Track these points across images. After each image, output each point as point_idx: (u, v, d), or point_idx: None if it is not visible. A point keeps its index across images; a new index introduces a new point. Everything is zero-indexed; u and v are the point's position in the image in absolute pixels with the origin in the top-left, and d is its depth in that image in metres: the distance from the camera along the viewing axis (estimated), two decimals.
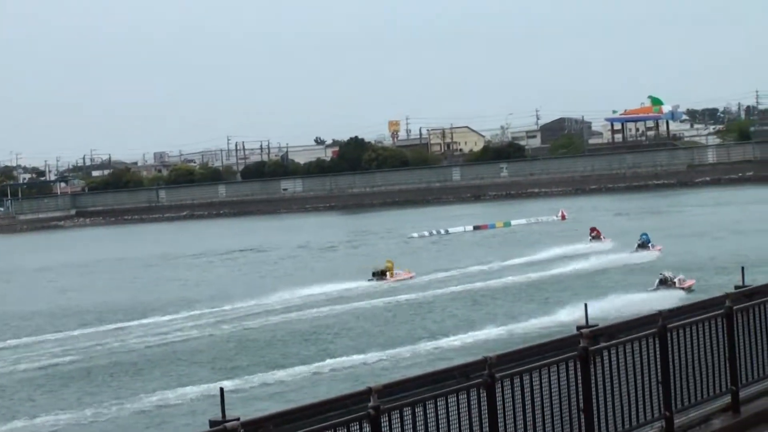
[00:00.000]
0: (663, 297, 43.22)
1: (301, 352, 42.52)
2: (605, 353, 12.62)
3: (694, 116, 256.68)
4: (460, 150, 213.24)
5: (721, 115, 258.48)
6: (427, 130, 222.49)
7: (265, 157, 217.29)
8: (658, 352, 13.40)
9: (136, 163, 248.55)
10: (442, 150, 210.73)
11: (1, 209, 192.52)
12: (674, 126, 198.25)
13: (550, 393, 11.72)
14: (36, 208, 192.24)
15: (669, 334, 13.59)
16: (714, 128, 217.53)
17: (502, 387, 11.13)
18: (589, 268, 62.27)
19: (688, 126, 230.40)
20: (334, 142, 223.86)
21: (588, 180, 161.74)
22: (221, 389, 12.20)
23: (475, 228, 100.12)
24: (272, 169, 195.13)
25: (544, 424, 11.64)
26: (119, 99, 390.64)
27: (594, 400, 12.30)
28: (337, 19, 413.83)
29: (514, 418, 11.28)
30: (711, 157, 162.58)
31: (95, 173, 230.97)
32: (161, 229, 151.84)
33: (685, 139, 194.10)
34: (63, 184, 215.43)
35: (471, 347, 39.51)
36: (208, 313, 54.57)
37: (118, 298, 65.80)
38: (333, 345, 43.71)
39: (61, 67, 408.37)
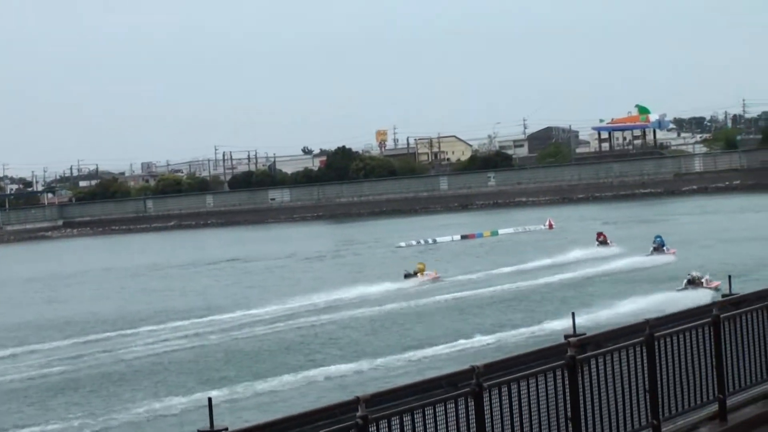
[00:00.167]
0: (692, 297, 43.43)
1: (289, 362, 42.45)
2: (593, 362, 12.64)
3: (681, 125, 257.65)
4: (448, 159, 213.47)
5: (708, 124, 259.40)
6: (415, 139, 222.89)
7: (252, 167, 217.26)
8: (645, 361, 13.43)
9: (123, 174, 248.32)
10: (430, 159, 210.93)
11: None
12: (661, 135, 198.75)
13: (538, 402, 11.74)
14: (23, 218, 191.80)
15: (656, 343, 13.63)
16: (701, 137, 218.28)
17: (490, 396, 11.14)
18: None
19: (675, 135, 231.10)
20: (322, 152, 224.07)
21: (575, 189, 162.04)
22: (209, 399, 12.19)
23: (463, 237, 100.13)
24: (260, 178, 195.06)
25: None
26: (106, 109, 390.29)
27: (581, 409, 12.33)
28: (326, 31, 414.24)
29: (502, 427, 11.29)
30: (698, 165, 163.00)
31: (82, 183, 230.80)
32: (149, 239, 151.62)
33: (672, 147, 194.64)
34: (50, 195, 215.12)
35: (470, 355, 39.49)
36: (195, 323, 54.45)
37: (105, 308, 65.64)
38: (320, 354, 43.65)
39: (47, 77, 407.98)
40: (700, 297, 41.77)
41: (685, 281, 50.82)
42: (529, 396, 11.62)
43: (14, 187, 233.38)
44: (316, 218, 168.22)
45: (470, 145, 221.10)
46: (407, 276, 66.35)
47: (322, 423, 10.00)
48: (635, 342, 13.38)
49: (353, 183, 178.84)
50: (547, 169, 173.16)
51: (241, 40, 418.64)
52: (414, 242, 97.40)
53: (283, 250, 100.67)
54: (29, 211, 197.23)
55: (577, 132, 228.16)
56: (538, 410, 11.74)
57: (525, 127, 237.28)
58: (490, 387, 11.15)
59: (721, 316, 14.86)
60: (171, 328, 53.72)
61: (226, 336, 50.26)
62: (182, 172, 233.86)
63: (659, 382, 13.59)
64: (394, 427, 10.24)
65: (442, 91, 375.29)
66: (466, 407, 10.91)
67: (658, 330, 13.80)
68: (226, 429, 9.44)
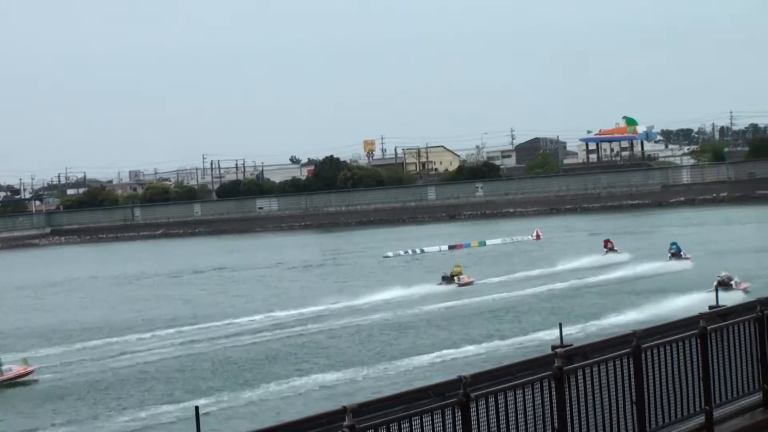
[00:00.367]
0: (723, 298, 43.70)
1: (276, 371, 42.39)
2: (579, 373, 12.66)
3: (669, 137, 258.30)
4: (436, 169, 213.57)
5: (696, 136, 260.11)
6: (403, 149, 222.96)
7: (240, 176, 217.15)
8: (632, 372, 13.45)
9: (111, 182, 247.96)
10: (418, 169, 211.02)
11: None
12: (649, 146, 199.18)
13: (525, 412, 11.75)
14: (11, 226, 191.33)
15: (643, 354, 13.65)
16: (688, 149, 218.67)
17: (477, 406, 11.15)
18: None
19: (662, 146, 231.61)
20: (310, 161, 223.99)
21: (563, 200, 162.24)
22: (196, 408, 12.19)
23: (451, 247, 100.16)
24: (248, 187, 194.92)
25: None
26: (94, 117, 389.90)
27: (568, 420, 12.34)
28: (312, 39, 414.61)
29: None
30: (685, 177, 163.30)
31: (70, 191, 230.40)
32: (136, 247, 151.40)
33: (660, 159, 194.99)
34: (38, 203, 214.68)
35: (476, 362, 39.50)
36: (183, 332, 54.36)
37: (92, 316, 65.50)
38: (307, 364, 43.61)
39: (35, 85, 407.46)
40: (731, 299, 41.90)
41: (715, 283, 51.18)
42: (516, 406, 11.63)
43: (1, 194, 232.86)
44: (304, 227, 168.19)
45: (458, 156, 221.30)
46: (444, 279, 67.41)
47: None
48: (622, 353, 13.40)
49: (341, 192, 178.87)
50: (534, 180, 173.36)
51: (230, 48, 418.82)
52: (402, 252, 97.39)
53: (270, 259, 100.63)
54: (17, 218, 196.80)
55: (565, 143, 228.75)
56: (525, 421, 11.75)
57: (513, 138, 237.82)
58: (477, 397, 11.16)
59: (708, 327, 14.89)
60: (158, 336, 53.66)
61: (214, 345, 50.19)
62: (170, 181, 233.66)
63: (646, 394, 13.61)
64: None
65: (430, 102, 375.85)
66: (453, 417, 10.91)
67: (645, 341, 13.82)
68: None
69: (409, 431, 10.47)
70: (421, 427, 10.57)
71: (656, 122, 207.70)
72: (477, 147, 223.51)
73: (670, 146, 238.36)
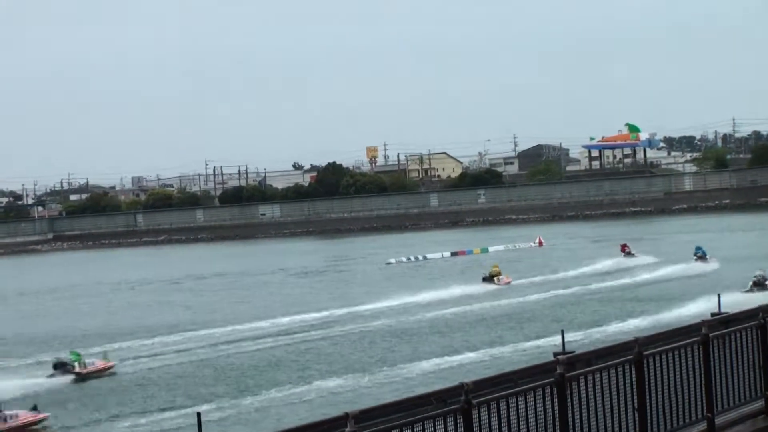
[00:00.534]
0: (758, 299, 43.81)
1: (278, 377, 42.39)
2: (582, 380, 12.65)
3: (672, 144, 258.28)
4: (438, 176, 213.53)
5: (698, 143, 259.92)
6: (405, 156, 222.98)
7: (243, 182, 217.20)
8: (634, 379, 13.44)
9: (113, 188, 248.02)
10: (420, 176, 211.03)
11: None
12: (651, 153, 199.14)
13: (527, 419, 11.74)
14: (13, 232, 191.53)
15: (645, 361, 13.63)
16: (691, 156, 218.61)
17: (479, 413, 11.14)
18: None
19: (665, 153, 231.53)
20: (312, 168, 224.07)
21: (565, 207, 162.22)
22: (198, 414, 12.20)
23: (453, 254, 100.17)
24: (250, 194, 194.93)
25: None
26: (97, 123, 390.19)
27: (570, 427, 12.33)
28: (315, 45, 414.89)
29: None
30: (688, 184, 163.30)
31: (73, 197, 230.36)
32: (139, 253, 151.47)
33: (663, 166, 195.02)
34: (40, 208, 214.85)
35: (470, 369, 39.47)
36: (185, 338, 54.37)
37: (94, 322, 65.53)
38: (309, 371, 43.59)
39: (37, 90, 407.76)
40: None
41: (751, 282, 51.21)
42: (518, 413, 11.62)
43: (4, 200, 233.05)
44: (306, 234, 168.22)
45: (461, 162, 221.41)
46: (485, 279, 69.38)
47: None
48: (624, 360, 13.39)
49: (343, 199, 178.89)
50: (537, 187, 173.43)
51: (232, 55, 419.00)
52: (404, 259, 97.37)
53: (273, 266, 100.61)
54: (19, 224, 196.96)
55: (568, 150, 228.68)
56: (527, 428, 11.74)
57: (515, 145, 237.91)
58: (479, 404, 11.16)
59: (710, 335, 14.88)
60: (160, 342, 53.64)
61: (216, 351, 50.18)
62: (173, 187, 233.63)
63: (648, 401, 13.60)
64: None
65: (433, 108, 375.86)
66: (455, 424, 10.91)
67: (647, 348, 13.82)
68: None
69: None
70: None
71: (659, 129, 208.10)
72: (479, 154, 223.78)
73: (673, 153, 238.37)
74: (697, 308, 47.28)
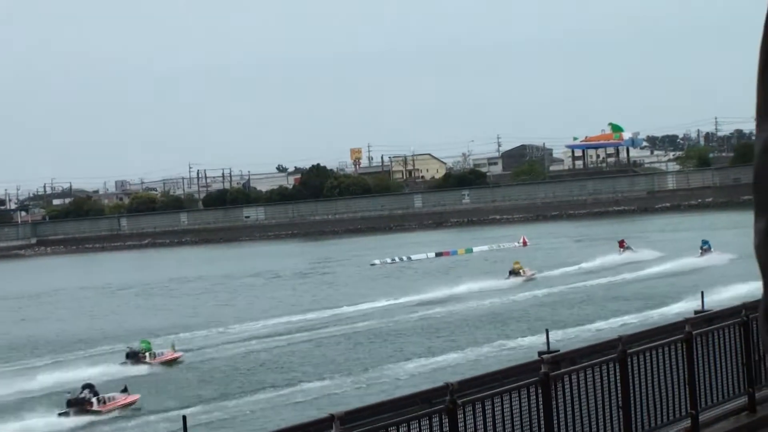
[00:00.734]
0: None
1: (264, 379, 42.39)
2: (566, 378, 12.70)
3: (654, 143, 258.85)
4: (422, 177, 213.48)
5: (681, 142, 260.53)
6: (389, 157, 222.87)
7: (227, 185, 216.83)
8: (618, 377, 13.50)
9: (97, 192, 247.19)
10: (404, 177, 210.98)
11: None
12: (634, 153, 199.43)
13: (512, 418, 11.78)
14: None
15: (629, 359, 13.69)
16: (674, 155, 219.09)
17: (464, 413, 11.18)
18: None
19: (648, 153, 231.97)
20: (296, 170, 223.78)
21: (549, 206, 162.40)
22: (184, 417, 12.20)
23: (438, 255, 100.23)
24: (234, 196, 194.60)
25: None
26: (79, 127, 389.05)
27: (555, 425, 12.37)
28: (299, 48, 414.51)
29: None
30: (671, 183, 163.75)
31: (56, 202, 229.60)
32: (123, 257, 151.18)
33: (646, 165, 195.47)
34: (23, 213, 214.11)
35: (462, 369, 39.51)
36: (169, 342, 54.27)
37: (78, 327, 65.35)
38: (295, 372, 43.60)
39: (19, 94, 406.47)
40: None
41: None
42: (503, 412, 11.67)
43: None
44: (291, 236, 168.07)
45: (444, 163, 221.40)
46: (512, 273, 72.05)
47: None
48: (608, 358, 13.45)
49: (328, 201, 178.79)
50: (521, 187, 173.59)
51: (214, 59, 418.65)
52: (389, 260, 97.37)
53: (257, 268, 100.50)
54: (2, 229, 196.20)
55: (551, 150, 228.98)
56: (512, 427, 11.79)
57: (499, 145, 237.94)
58: (464, 404, 11.20)
59: (694, 332, 14.95)
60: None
61: (200, 354, 50.15)
62: (156, 191, 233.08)
63: (632, 398, 13.66)
64: None
65: (417, 109, 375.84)
66: (441, 424, 10.94)
67: (631, 346, 13.88)
68: None
69: None
70: None
71: (642, 128, 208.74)
72: (463, 154, 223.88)
73: (656, 152, 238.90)
74: (679, 307, 47.51)
